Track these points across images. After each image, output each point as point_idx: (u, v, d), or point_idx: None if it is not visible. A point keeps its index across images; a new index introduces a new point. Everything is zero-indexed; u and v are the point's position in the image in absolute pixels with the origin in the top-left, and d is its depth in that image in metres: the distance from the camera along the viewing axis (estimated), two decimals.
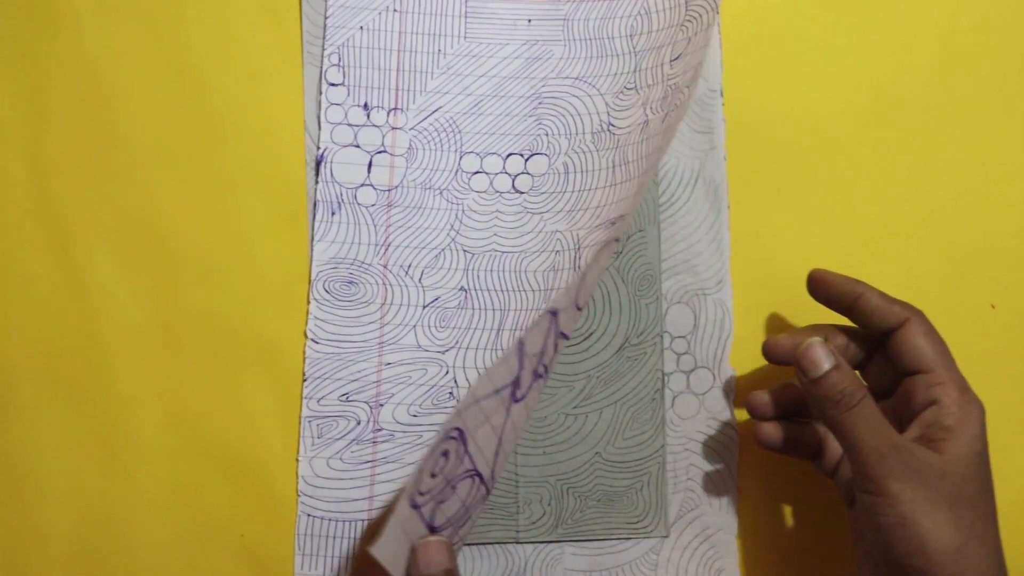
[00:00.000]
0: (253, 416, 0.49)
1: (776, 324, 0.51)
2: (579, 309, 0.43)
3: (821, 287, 0.46)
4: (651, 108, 0.48)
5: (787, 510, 0.50)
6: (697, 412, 0.50)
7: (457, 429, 0.39)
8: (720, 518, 0.50)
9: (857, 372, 0.46)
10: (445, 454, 0.39)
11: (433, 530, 0.40)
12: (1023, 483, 0.50)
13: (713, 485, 0.50)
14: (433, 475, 0.39)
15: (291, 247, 0.50)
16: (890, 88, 0.51)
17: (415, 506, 0.38)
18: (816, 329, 0.47)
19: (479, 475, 0.41)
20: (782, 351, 0.46)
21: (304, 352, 0.49)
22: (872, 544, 0.42)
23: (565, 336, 0.43)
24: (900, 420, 0.44)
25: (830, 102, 0.51)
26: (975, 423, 0.42)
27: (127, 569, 0.49)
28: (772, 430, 0.47)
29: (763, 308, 0.50)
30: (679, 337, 0.50)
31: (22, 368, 0.49)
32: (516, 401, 0.41)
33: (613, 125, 0.50)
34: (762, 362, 0.49)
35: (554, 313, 0.41)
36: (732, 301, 0.50)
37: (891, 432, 0.41)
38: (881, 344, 0.45)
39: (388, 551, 0.37)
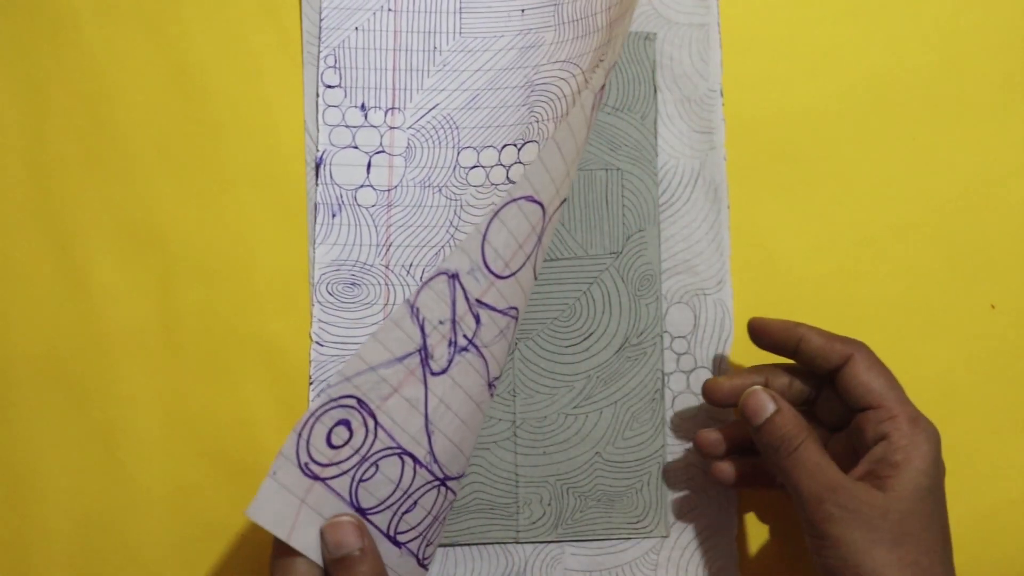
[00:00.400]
0: (253, 416, 0.49)
1: None
2: (500, 277, 0.42)
3: (762, 334, 0.46)
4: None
5: (786, 511, 0.50)
6: (697, 412, 0.50)
7: (352, 397, 0.39)
8: (720, 518, 0.49)
9: (805, 409, 0.46)
10: (346, 424, 0.39)
11: (362, 511, 0.39)
12: (1023, 483, 0.50)
13: (713, 485, 0.50)
14: (333, 445, 0.38)
15: (291, 247, 0.50)
16: (890, 88, 0.51)
17: (313, 476, 0.38)
18: (758, 371, 0.47)
19: (409, 455, 0.40)
20: (722, 394, 0.46)
21: (310, 355, 0.49)
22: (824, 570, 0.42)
23: (486, 305, 0.42)
24: (855, 453, 0.44)
25: (830, 102, 0.51)
26: (923, 457, 0.41)
27: (127, 569, 0.49)
28: (726, 468, 0.47)
29: (763, 308, 0.50)
30: (679, 337, 0.50)
31: (22, 368, 0.49)
32: (435, 374, 0.41)
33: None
34: (762, 362, 0.49)
35: (452, 276, 0.41)
36: (732, 301, 0.50)
37: (833, 473, 0.41)
38: (829, 379, 0.45)
39: (266, 513, 0.37)
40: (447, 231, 0.50)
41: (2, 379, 0.49)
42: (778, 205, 0.51)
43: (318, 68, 0.50)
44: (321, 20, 0.50)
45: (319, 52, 0.50)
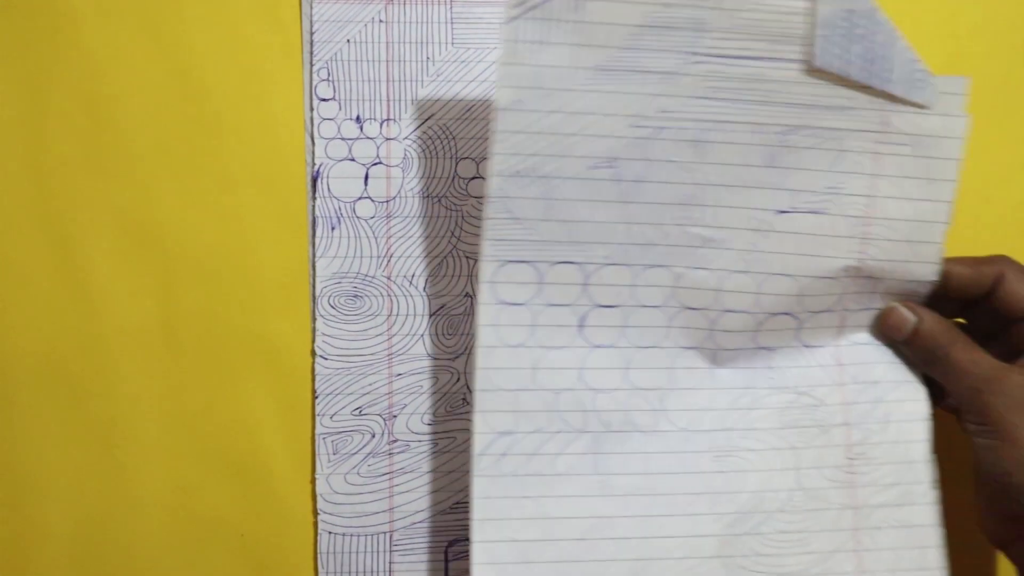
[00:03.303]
0: (253, 416, 0.49)
1: None
2: None
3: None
4: None
5: None
6: None
7: None
8: None
9: (957, 319, 0.46)
10: None
11: None
12: None
13: None
14: None
15: (292, 247, 0.50)
16: None
17: None
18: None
19: None
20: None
21: (312, 368, 0.49)
22: (988, 479, 0.42)
23: None
24: (1011, 355, 0.44)
25: None
26: None
27: (127, 569, 0.49)
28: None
29: None
30: None
31: (22, 368, 0.49)
32: None
33: None
34: None
35: None
36: None
37: (988, 364, 0.42)
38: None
39: None
40: (449, 241, 0.50)
41: (2, 379, 0.49)
42: None
43: (312, 81, 0.50)
44: (312, 33, 0.50)
45: (311, 65, 0.50)
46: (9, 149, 0.49)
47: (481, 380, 0.44)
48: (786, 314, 0.45)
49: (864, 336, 0.46)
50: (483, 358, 0.43)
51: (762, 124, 0.43)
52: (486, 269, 0.43)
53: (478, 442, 0.43)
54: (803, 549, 0.44)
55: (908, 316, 0.44)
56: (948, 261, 0.45)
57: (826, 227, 0.44)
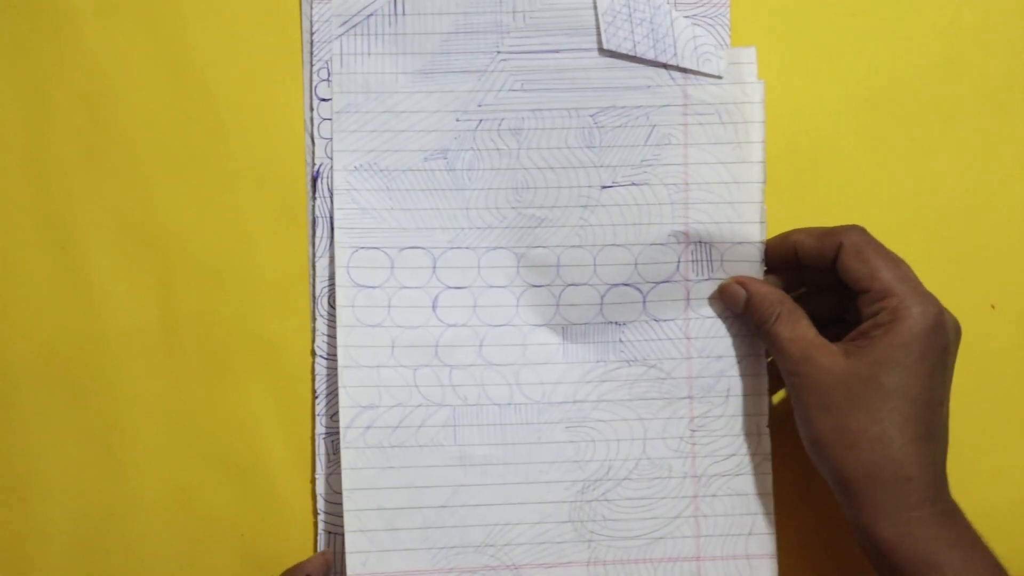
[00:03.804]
0: (253, 416, 0.49)
1: None
2: None
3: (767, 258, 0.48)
4: None
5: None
6: None
7: None
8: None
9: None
10: None
11: None
12: (1023, 482, 0.50)
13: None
14: None
15: (292, 247, 0.50)
16: (890, 88, 0.51)
17: None
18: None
19: None
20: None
21: (313, 369, 0.49)
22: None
23: None
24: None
25: (830, 102, 0.51)
26: (902, 333, 0.42)
27: (127, 569, 0.49)
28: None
29: None
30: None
31: (22, 368, 0.49)
32: None
33: None
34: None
35: None
36: None
37: (805, 343, 0.44)
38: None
39: None
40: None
41: (2, 379, 0.49)
42: (779, 205, 0.51)
43: (312, 81, 0.50)
44: (312, 33, 0.50)
45: (312, 66, 0.50)
46: (9, 149, 0.49)
47: (344, 357, 0.48)
48: (627, 285, 0.49)
49: (710, 310, 0.49)
50: (344, 337, 0.48)
51: (574, 109, 0.49)
52: (341, 255, 0.48)
53: (344, 415, 0.48)
54: (648, 514, 0.48)
55: (739, 291, 0.47)
56: (797, 232, 0.46)
57: (648, 196, 0.49)
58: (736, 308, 0.47)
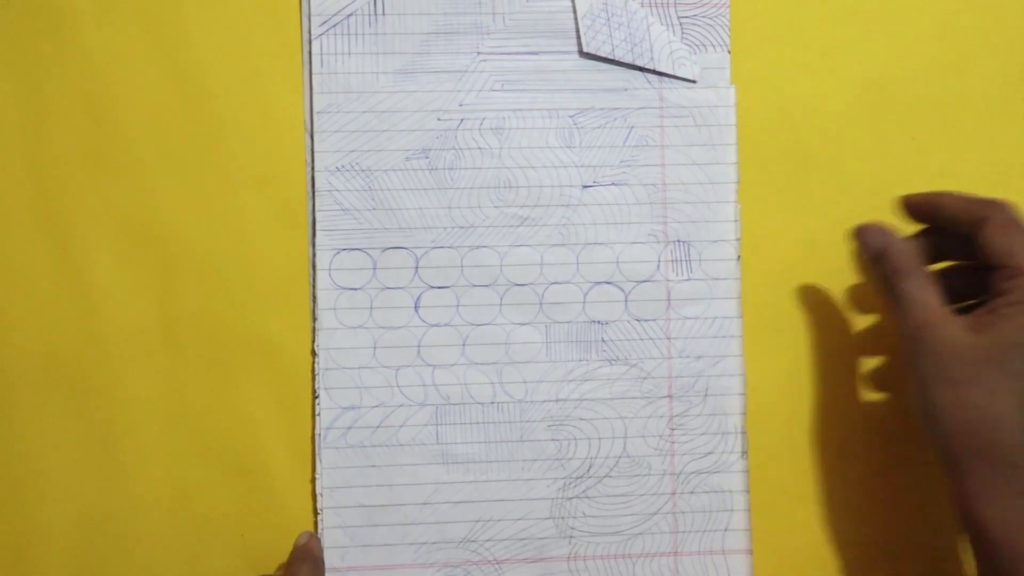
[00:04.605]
0: (253, 416, 0.49)
1: (778, 321, 0.51)
2: None
3: (909, 208, 0.47)
4: None
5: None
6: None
7: None
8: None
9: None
10: None
11: None
12: None
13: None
14: None
15: (292, 246, 0.50)
16: (890, 88, 0.51)
17: None
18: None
19: None
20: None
21: (312, 367, 0.49)
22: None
23: None
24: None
25: (830, 102, 0.51)
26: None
27: (127, 569, 0.49)
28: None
29: (765, 306, 0.50)
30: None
31: (22, 368, 0.49)
32: None
33: None
34: (765, 365, 0.49)
35: None
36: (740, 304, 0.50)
37: (929, 310, 0.43)
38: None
39: None
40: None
41: (2, 379, 0.49)
42: (779, 205, 0.51)
43: (311, 81, 0.50)
44: (312, 33, 0.50)
45: (311, 66, 0.50)
46: (9, 149, 0.49)
47: (324, 360, 0.49)
48: (609, 283, 0.49)
49: (690, 311, 0.50)
50: (325, 340, 0.49)
51: (554, 109, 0.50)
52: (322, 258, 0.49)
53: (324, 417, 0.49)
54: (627, 511, 0.49)
55: (879, 236, 0.45)
56: (944, 193, 0.45)
57: (628, 196, 0.50)
58: (871, 251, 0.45)
